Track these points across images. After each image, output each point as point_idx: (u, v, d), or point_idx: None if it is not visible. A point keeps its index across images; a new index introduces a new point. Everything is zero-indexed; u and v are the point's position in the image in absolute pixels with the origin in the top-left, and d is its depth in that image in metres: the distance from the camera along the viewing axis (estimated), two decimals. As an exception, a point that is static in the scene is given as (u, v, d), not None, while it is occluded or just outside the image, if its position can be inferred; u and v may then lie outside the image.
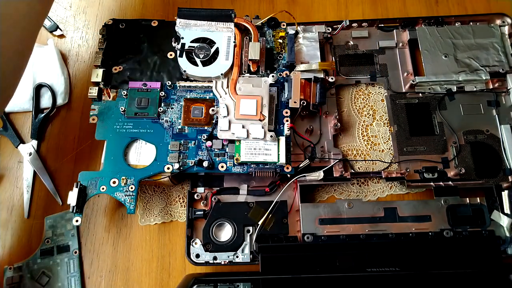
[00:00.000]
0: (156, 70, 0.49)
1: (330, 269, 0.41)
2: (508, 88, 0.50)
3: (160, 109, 0.47)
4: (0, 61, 0.37)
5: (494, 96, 0.50)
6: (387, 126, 0.51)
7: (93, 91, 0.47)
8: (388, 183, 0.49)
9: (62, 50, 0.56)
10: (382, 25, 0.54)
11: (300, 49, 0.51)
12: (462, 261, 0.41)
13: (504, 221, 0.45)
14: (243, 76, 0.47)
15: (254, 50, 0.47)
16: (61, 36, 0.57)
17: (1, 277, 0.45)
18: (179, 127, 0.46)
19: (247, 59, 0.47)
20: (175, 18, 0.49)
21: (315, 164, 0.47)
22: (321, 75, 0.48)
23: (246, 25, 0.49)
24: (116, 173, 0.44)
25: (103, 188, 0.43)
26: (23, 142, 0.51)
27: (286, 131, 0.45)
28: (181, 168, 0.44)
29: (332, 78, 0.50)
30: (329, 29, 0.52)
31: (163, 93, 0.47)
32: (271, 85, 0.47)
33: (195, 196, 0.47)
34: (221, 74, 0.47)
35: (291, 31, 0.51)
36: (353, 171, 0.48)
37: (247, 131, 0.44)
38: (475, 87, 0.50)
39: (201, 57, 0.48)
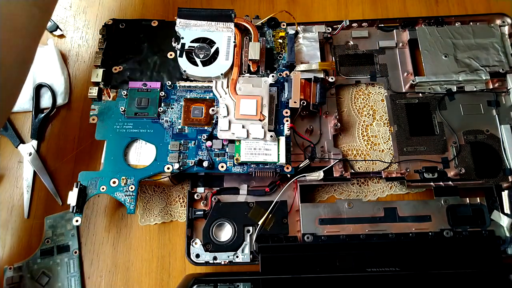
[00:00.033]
0: (156, 70, 0.49)
1: (330, 269, 0.41)
2: (508, 88, 0.50)
3: (160, 109, 0.47)
4: (1, 70, 0.37)
5: (494, 96, 0.50)
6: (387, 126, 0.51)
7: (93, 91, 0.47)
8: (388, 183, 0.49)
9: (62, 50, 0.56)
10: (382, 25, 0.54)
11: (300, 49, 0.51)
12: (462, 261, 0.41)
13: (504, 221, 0.45)
14: (243, 76, 0.47)
15: (254, 50, 0.47)
16: (61, 36, 0.57)
17: (1, 277, 0.45)
18: (179, 127, 0.46)
19: (247, 59, 0.47)
20: (175, 18, 0.49)
21: (315, 164, 0.47)
22: (321, 75, 0.48)
23: (246, 25, 0.49)
24: (116, 173, 0.44)
25: (103, 188, 0.43)
26: (23, 142, 0.51)
27: (286, 131, 0.45)
28: (181, 168, 0.44)
29: (332, 78, 0.50)
30: (329, 29, 0.52)
31: (163, 93, 0.47)
32: (271, 85, 0.47)
33: (195, 196, 0.47)
34: (221, 74, 0.47)
35: (291, 31, 0.51)
36: (353, 171, 0.48)
37: (247, 131, 0.44)
38: (475, 87, 0.50)
39: (201, 57, 0.48)
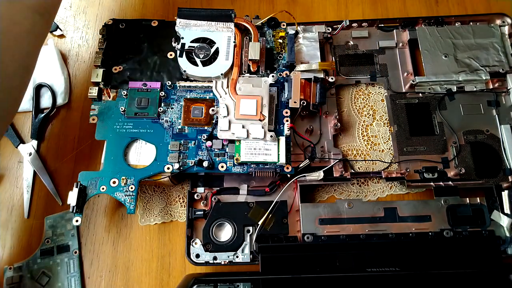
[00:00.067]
0: (156, 70, 0.49)
1: (330, 269, 0.41)
2: (508, 88, 0.50)
3: (160, 109, 0.47)
4: (4, 76, 0.37)
5: (494, 96, 0.50)
6: (387, 126, 0.51)
7: (93, 91, 0.47)
8: (388, 183, 0.49)
9: (62, 50, 0.56)
10: (382, 25, 0.54)
11: (300, 49, 0.51)
12: (462, 261, 0.41)
13: (504, 221, 0.45)
14: (243, 76, 0.47)
15: (254, 50, 0.47)
16: (61, 36, 0.57)
17: (1, 277, 0.45)
18: (179, 127, 0.46)
19: (247, 59, 0.47)
20: (175, 18, 0.49)
21: (315, 164, 0.47)
22: (321, 75, 0.48)
23: (246, 25, 0.49)
24: (116, 173, 0.44)
25: (103, 188, 0.43)
26: (23, 142, 0.51)
27: (286, 131, 0.45)
28: (181, 168, 0.44)
29: (332, 78, 0.50)
30: (329, 29, 0.52)
31: (163, 93, 0.47)
32: (271, 85, 0.47)
33: (195, 196, 0.47)
34: (221, 74, 0.47)
35: (291, 31, 0.51)
36: (353, 171, 0.48)
37: (247, 131, 0.44)
38: (475, 87, 0.50)
39: (201, 57, 0.48)
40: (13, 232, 0.48)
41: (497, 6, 0.56)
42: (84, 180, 0.43)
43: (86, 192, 0.43)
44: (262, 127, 0.44)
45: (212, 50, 0.48)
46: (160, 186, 0.49)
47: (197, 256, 0.44)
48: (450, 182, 0.46)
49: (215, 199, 0.46)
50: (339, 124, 0.48)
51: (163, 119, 0.47)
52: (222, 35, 0.49)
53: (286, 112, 0.46)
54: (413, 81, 0.50)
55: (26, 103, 0.52)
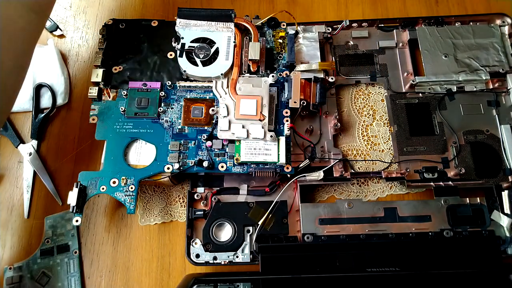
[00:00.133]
0: (156, 70, 0.49)
1: (330, 269, 0.41)
2: (508, 88, 0.50)
3: (160, 109, 0.47)
4: None
5: (494, 96, 0.50)
6: (387, 126, 0.51)
7: (93, 91, 0.47)
8: (388, 183, 0.49)
9: (62, 50, 0.56)
10: (382, 25, 0.54)
11: (300, 49, 0.51)
12: (462, 261, 0.41)
13: (504, 221, 0.45)
14: (243, 76, 0.47)
15: (254, 50, 0.47)
16: (61, 36, 0.57)
17: (1, 277, 0.45)
18: (179, 127, 0.46)
19: (247, 59, 0.47)
20: (175, 18, 0.49)
21: (315, 164, 0.47)
22: (321, 75, 0.48)
23: (246, 25, 0.49)
24: (116, 173, 0.44)
25: (103, 188, 0.43)
26: (23, 142, 0.51)
27: (286, 131, 0.45)
28: (181, 168, 0.44)
29: (332, 78, 0.50)
30: (329, 29, 0.52)
31: (163, 93, 0.47)
32: (271, 85, 0.47)
33: (195, 196, 0.47)
34: (221, 74, 0.47)
35: (291, 31, 0.51)
36: (353, 171, 0.48)
37: (247, 131, 0.44)
38: (475, 87, 0.50)
39: (201, 57, 0.48)
40: (13, 232, 0.48)
41: (497, 6, 0.56)
42: (84, 180, 0.43)
43: (86, 192, 0.43)
44: (262, 127, 0.44)
45: (212, 50, 0.48)
46: (160, 186, 0.49)
47: (197, 256, 0.44)
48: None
49: (215, 199, 0.46)
50: (339, 124, 0.48)
51: (163, 119, 0.47)
52: (222, 35, 0.49)
53: (286, 112, 0.46)
54: (413, 81, 0.50)
55: (26, 103, 0.52)
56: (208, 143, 0.45)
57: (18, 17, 0.38)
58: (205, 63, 0.47)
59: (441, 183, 0.46)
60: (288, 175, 0.45)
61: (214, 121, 0.46)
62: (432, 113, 0.49)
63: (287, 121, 0.46)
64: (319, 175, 0.46)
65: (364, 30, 0.54)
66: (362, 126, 0.51)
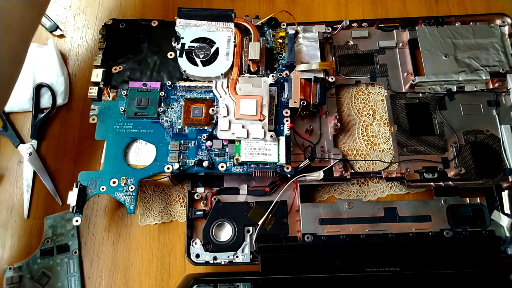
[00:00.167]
0: (156, 70, 0.49)
1: (330, 269, 0.41)
2: (508, 88, 0.50)
3: (160, 109, 0.47)
4: None
5: (494, 96, 0.50)
6: (387, 126, 0.51)
7: (93, 91, 0.47)
8: (388, 183, 0.49)
9: (62, 50, 0.56)
10: (382, 25, 0.54)
11: (300, 49, 0.51)
12: (462, 261, 0.41)
13: (504, 221, 0.45)
14: (243, 76, 0.47)
15: (254, 50, 0.47)
16: (61, 36, 0.57)
17: (1, 277, 0.45)
18: (179, 127, 0.46)
19: (247, 59, 0.47)
20: (175, 18, 0.49)
21: (315, 164, 0.47)
22: (321, 75, 0.48)
23: (246, 25, 0.49)
24: (116, 173, 0.44)
25: (103, 188, 0.43)
26: (23, 142, 0.51)
27: (286, 131, 0.45)
28: (181, 168, 0.44)
29: (332, 78, 0.50)
30: (329, 29, 0.52)
31: (163, 93, 0.47)
32: (271, 85, 0.47)
33: (195, 196, 0.47)
34: (221, 74, 0.47)
35: (291, 31, 0.51)
36: (353, 171, 0.48)
37: (247, 131, 0.44)
38: (475, 87, 0.50)
39: (201, 57, 0.48)
40: (13, 232, 0.48)
41: (497, 6, 0.56)
42: (84, 180, 0.43)
43: (86, 192, 0.43)
44: (262, 127, 0.44)
45: (212, 50, 0.48)
46: (160, 186, 0.49)
47: (197, 256, 0.44)
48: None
49: (215, 199, 0.46)
50: (339, 124, 0.48)
51: (163, 119, 0.47)
52: (222, 35, 0.49)
53: (286, 112, 0.46)
54: (413, 81, 0.50)
55: (26, 103, 0.52)
56: (208, 143, 0.45)
57: (12, 8, 0.38)
58: (205, 63, 0.47)
59: (441, 183, 0.46)
60: (288, 175, 0.45)
61: (214, 121, 0.46)
62: (432, 113, 0.49)
63: (287, 121, 0.45)
64: (319, 175, 0.46)
65: (364, 30, 0.54)
66: (362, 126, 0.51)
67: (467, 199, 0.46)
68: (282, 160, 0.43)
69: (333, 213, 0.45)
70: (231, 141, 0.45)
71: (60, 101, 0.52)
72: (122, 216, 0.48)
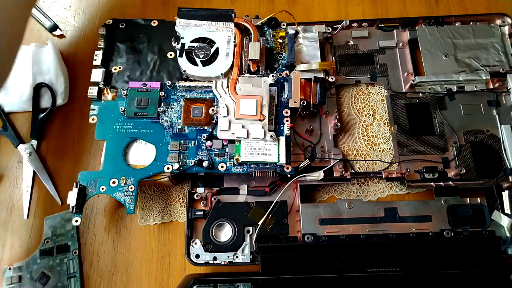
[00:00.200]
0: (156, 70, 0.49)
1: (330, 269, 0.41)
2: (508, 88, 0.50)
3: (160, 109, 0.47)
4: None
5: (495, 96, 0.50)
6: (387, 126, 0.50)
7: (93, 91, 0.47)
8: (389, 183, 0.49)
9: (62, 50, 0.56)
10: (382, 25, 0.54)
11: (300, 49, 0.51)
12: (462, 261, 0.41)
13: (504, 221, 0.45)
14: (243, 76, 0.47)
15: (254, 50, 0.47)
16: (61, 36, 0.57)
17: (1, 277, 0.44)
18: (179, 127, 0.46)
19: (247, 59, 0.47)
20: (175, 18, 0.49)
21: (315, 164, 0.47)
22: (321, 75, 0.48)
23: (246, 25, 0.49)
24: (116, 173, 0.44)
25: (102, 188, 0.43)
26: (23, 142, 0.51)
27: (286, 131, 0.45)
28: (181, 168, 0.44)
29: (332, 78, 0.50)
30: (329, 29, 0.52)
31: (163, 93, 0.47)
32: (271, 85, 0.47)
33: (195, 196, 0.46)
34: (221, 74, 0.47)
35: (291, 31, 0.51)
36: (353, 171, 0.48)
37: (247, 131, 0.44)
38: (475, 87, 0.50)
39: (201, 57, 0.48)
40: (13, 232, 0.48)
41: (497, 6, 0.56)
42: (84, 180, 0.43)
43: (85, 192, 0.43)
44: (262, 127, 0.44)
45: (212, 50, 0.48)
46: (160, 186, 0.49)
47: (197, 256, 0.44)
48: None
49: (215, 199, 0.46)
50: (339, 124, 0.48)
51: (163, 119, 0.46)
52: (222, 35, 0.49)
53: (286, 112, 0.46)
54: (413, 81, 0.50)
55: (26, 103, 0.52)
56: (208, 143, 0.45)
57: None
58: (205, 63, 0.47)
59: (441, 183, 0.46)
60: (288, 175, 0.45)
61: (214, 121, 0.46)
62: (432, 113, 0.49)
63: (287, 121, 0.45)
64: (319, 175, 0.46)
65: (364, 30, 0.54)
66: (362, 126, 0.51)
67: (468, 199, 0.46)
68: (282, 160, 0.43)
69: (333, 213, 0.45)
70: (231, 141, 0.45)
71: (60, 101, 0.52)
72: (122, 216, 0.48)
